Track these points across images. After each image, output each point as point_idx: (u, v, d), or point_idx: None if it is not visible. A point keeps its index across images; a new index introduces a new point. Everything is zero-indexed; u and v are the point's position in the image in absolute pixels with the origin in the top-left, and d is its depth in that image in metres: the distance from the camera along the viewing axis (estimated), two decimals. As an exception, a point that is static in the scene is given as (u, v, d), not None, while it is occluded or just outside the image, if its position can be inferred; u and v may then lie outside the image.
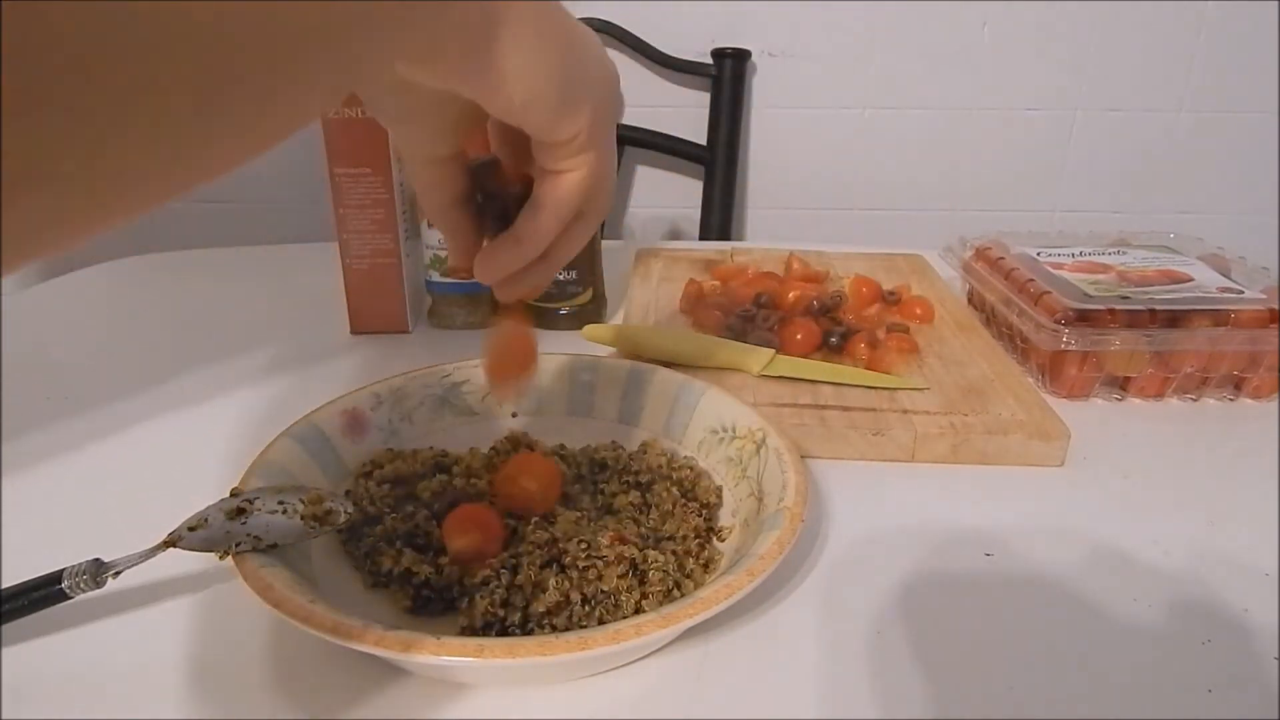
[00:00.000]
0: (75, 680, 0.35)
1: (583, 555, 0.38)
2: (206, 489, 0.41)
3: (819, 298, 0.66)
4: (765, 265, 0.77)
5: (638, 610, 0.36)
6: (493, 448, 0.48)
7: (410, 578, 0.38)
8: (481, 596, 0.36)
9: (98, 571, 0.36)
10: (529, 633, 0.36)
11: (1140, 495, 0.49)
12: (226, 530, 0.37)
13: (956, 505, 0.48)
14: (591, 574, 0.37)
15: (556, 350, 0.55)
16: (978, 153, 1.14)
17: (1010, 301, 0.62)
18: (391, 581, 0.39)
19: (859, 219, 1.18)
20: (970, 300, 0.73)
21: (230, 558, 0.36)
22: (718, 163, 1.11)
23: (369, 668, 0.35)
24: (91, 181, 0.15)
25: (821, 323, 0.63)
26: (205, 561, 0.39)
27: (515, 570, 0.37)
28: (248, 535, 0.37)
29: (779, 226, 1.18)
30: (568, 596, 0.36)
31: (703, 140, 1.11)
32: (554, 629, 0.36)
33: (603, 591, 0.37)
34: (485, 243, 0.37)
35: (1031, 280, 0.62)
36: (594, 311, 0.69)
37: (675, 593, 0.38)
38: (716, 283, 0.73)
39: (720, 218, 1.13)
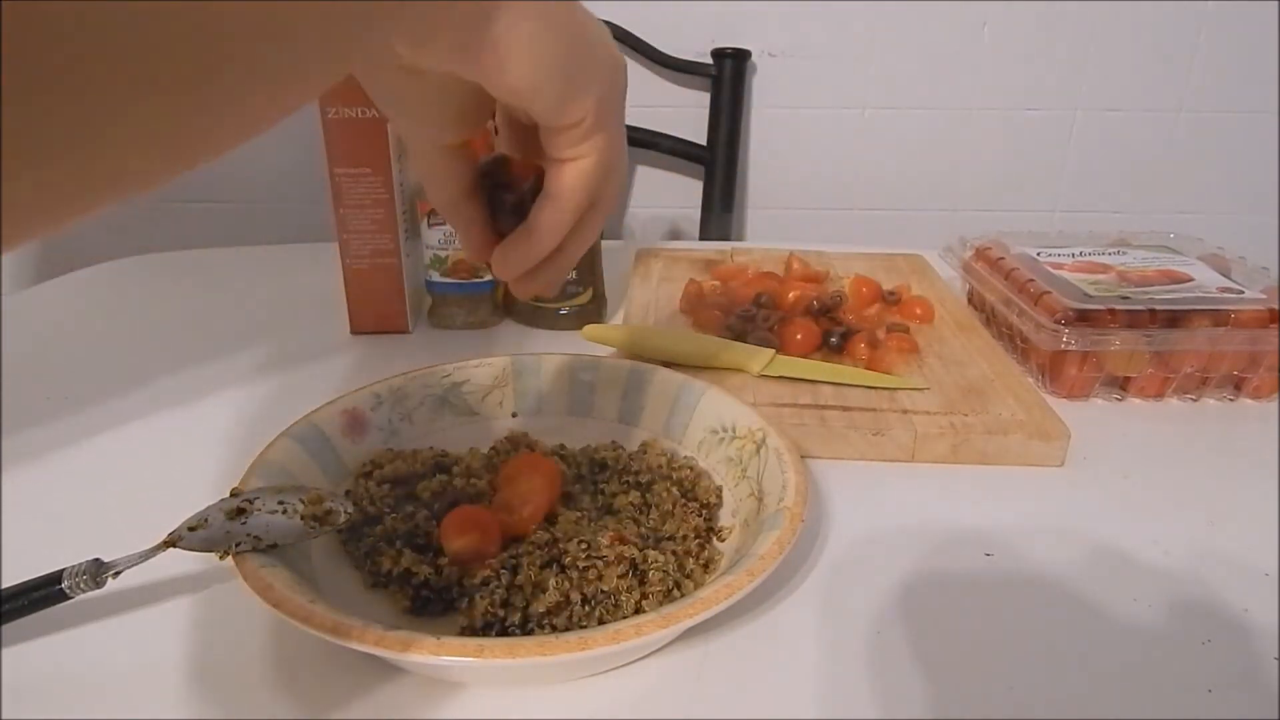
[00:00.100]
0: (75, 680, 0.35)
1: (583, 555, 0.38)
2: (206, 489, 0.41)
3: (819, 298, 0.66)
4: (765, 265, 0.77)
5: (638, 610, 0.36)
6: (493, 448, 0.49)
7: (410, 578, 0.38)
8: (481, 597, 0.36)
9: (98, 571, 0.36)
10: (529, 633, 0.36)
11: (1140, 495, 0.49)
12: (226, 530, 0.37)
13: (956, 505, 0.48)
14: (591, 574, 0.37)
15: (556, 350, 0.55)
16: (978, 153, 1.13)
17: (1010, 301, 0.62)
18: (391, 581, 0.39)
19: (859, 219, 1.17)
20: (970, 300, 0.73)
21: (230, 558, 0.36)
22: (718, 163, 1.11)
23: (369, 668, 0.35)
24: (91, 157, 0.15)
25: (821, 323, 0.63)
26: (205, 561, 0.39)
27: (515, 570, 0.37)
28: (248, 535, 0.37)
29: (779, 226, 1.18)
30: (568, 596, 0.36)
31: (703, 140, 1.11)
32: (554, 629, 0.36)
33: (603, 591, 0.37)
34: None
35: (1031, 280, 0.62)
36: (594, 311, 0.69)
37: (675, 593, 0.38)
38: (716, 283, 0.73)
39: (720, 218, 1.13)
